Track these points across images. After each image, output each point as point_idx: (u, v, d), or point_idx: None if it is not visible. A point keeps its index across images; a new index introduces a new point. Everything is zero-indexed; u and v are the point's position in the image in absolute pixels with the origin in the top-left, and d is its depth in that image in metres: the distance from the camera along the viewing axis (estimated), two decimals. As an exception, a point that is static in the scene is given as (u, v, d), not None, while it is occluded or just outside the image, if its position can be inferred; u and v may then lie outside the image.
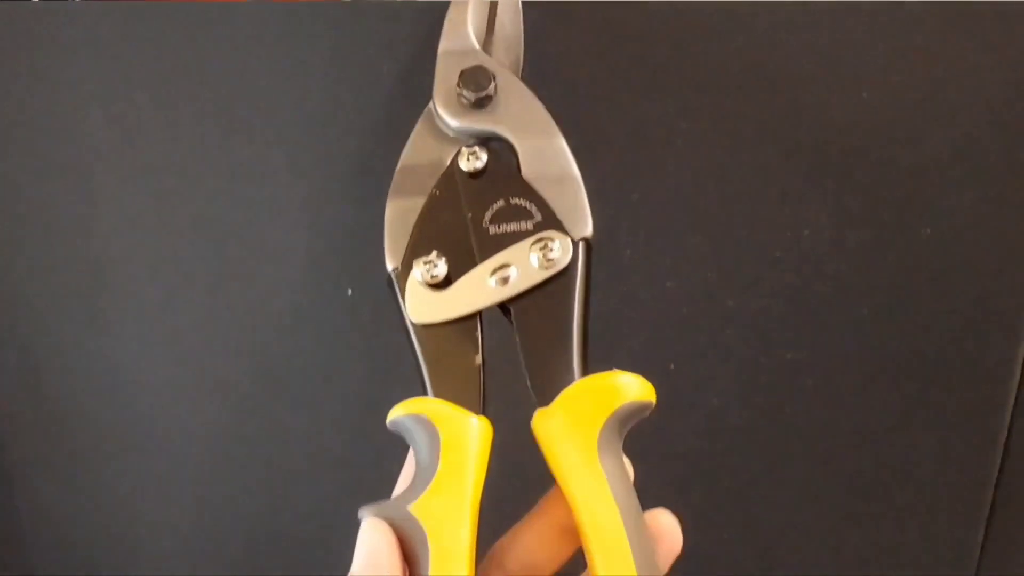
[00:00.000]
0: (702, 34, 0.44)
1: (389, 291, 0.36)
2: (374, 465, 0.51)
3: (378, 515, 0.32)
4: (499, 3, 0.37)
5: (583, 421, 0.33)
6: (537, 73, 0.39)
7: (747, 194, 0.46)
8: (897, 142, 0.45)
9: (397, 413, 0.34)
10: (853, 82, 0.44)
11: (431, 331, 0.35)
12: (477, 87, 0.35)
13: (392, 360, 0.50)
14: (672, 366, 0.49)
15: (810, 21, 0.43)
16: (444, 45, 0.36)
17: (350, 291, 0.49)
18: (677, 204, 0.47)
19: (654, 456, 0.50)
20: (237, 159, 0.48)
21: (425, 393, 0.34)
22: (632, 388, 0.33)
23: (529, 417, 0.34)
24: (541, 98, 0.37)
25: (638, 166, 0.46)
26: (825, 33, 0.43)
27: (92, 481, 0.54)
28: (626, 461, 0.34)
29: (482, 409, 0.34)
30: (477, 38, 0.36)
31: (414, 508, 0.32)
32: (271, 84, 0.46)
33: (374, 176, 0.41)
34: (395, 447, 0.36)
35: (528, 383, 0.34)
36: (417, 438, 0.33)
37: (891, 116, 0.44)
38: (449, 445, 0.33)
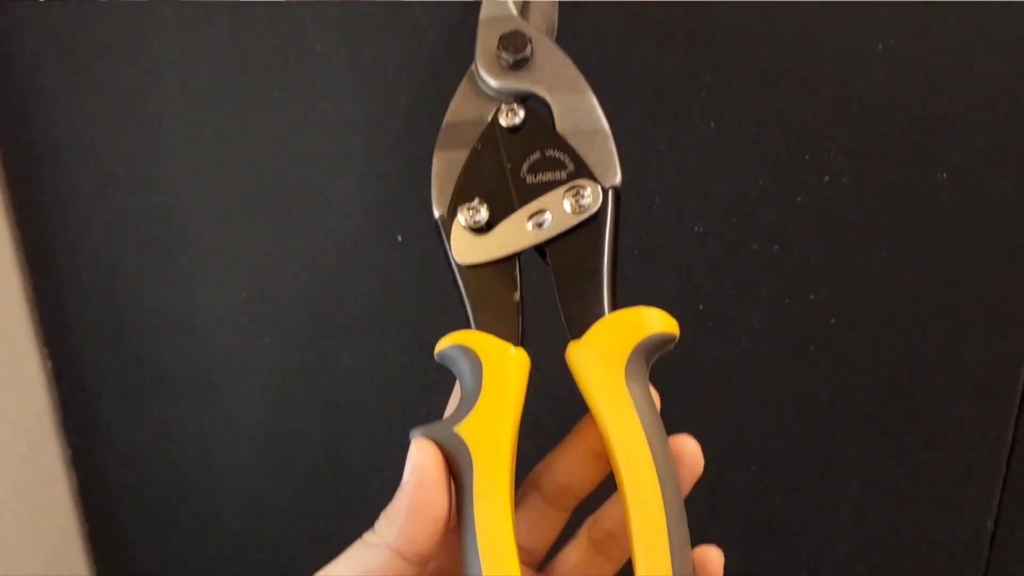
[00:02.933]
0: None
1: (436, 235, 0.38)
2: (423, 399, 0.54)
3: (426, 435, 0.34)
4: (535, -27, 0.39)
5: (612, 351, 0.35)
6: (570, 32, 0.41)
7: (770, 143, 0.47)
8: (912, 91, 0.45)
9: (444, 345, 0.36)
10: (869, 35, 0.45)
11: (474, 271, 0.37)
12: (515, 50, 0.37)
13: (439, 301, 0.52)
14: (701, 307, 0.51)
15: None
16: (485, 12, 0.38)
17: (400, 237, 0.51)
18: (703, 153, 0.48)
19: (683, 392, 0.53)
20: (295, 116, 0.49)
21: (469, 327, 0.36)
22: (657, 321, 0.35)
23: (563, 351, 0.36)
24: (575, 53, 0.38)
25: (666, 117, 0.47)
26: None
27: (167, 415, 0.57)
28: (652, 391, 0.36)
29: (520, 342, 0.36)
30: (515, 5, 0.38)
31: (460, 429, 0.34)
32: (325, 47, 0.48)
33: (421, 131, 0.43)
34: (442, 383, 0.38)
35: (562, 318, 0.36)
36: (462, 367, 0.36)
37: (906, 67, 0.45)
38: (491, 373, 0.35)
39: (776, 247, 0.49)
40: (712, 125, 0.47)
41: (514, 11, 0.38)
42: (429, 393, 0.54)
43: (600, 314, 0.36)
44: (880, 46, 0.45)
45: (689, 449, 0.36)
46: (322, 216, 0.51)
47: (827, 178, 0.48)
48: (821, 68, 0.46)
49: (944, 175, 0.47)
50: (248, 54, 0.49)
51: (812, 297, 0.50)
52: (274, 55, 0.48)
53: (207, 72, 0.49)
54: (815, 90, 0.46)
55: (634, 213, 0.49)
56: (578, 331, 0.36)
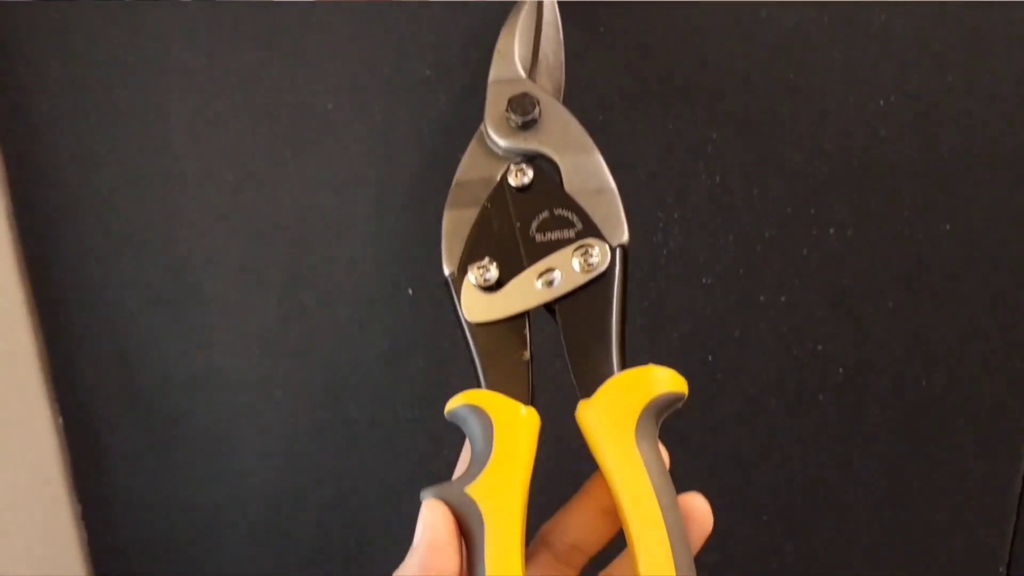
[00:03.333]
0: (728, 48, 0.45)
1: (446, 293, 0.39)
2: (434, 454, 0.54)
3: (438, 496, 0.35)
4: (542, 36, 0.40)
5: (622, 410, 0.35)
6: (577, 91, 0.42)
7: (775, 196, 0.48)
8: (913, 145, 0.46)
9: (454, 404, 0.36)
10: (870, 91, 0.45)
11: (484, 329, 0.37)
12: (523, 112, 0.38)
13: (450, 355, 0.52)
14: (710, 358, 0.51)
15: (829, 36, 0.45)
16: (494, 74, 0.39)
17: (410, 291, 0.51)
18: (709, 206, 0.48)
19: (694, 442, 0.53)
20: (307, 173, 0.50)
21: (479, 386, 0.37)
22: (666, 380, 0.36)
23: (573, 408, 0.36)
24: (582, 112, 0.39)
25: (672, 171, 0.48)
26: (843, 47, 0.45)
27: (178, 471, 0.57)
28: (662, 448, 0.36)
29: (531, 400, 0.37)
30: (523, 67, 0.39)
31: (470, 489, 0.34)
32: (338, 106, 0.48)
33: (431, 188, 0.44)
34: (453, 437, 0.39)
35: (572, 376, 0.37)
36: (472, 427, 0.36)
37: (907, 121, 0.46)
38: (502, 433, 0.35)
39: (783, 298, 0.50)
40: (718, 179, 0.48)
41: (522, 73, 0.39)
42: (440, 448, 0.54)
43: (610, 373, 0.36)
44: (881, 102, 0.46)
45: (699, 507, 0.36)
46: (333, 272, 0.52)
47: (832, 230, 0.48)
48: (824, 123, 0.46)
49: (947, 226, 0.48)
50: (260, 115, 0.49)
51: (820, 347, 0.51)
52: (286, 115, 0.49)
53: (220, 132, 0.50)
54: (819, 145, 0.47)
55: (642, 266, 0.49)
56: (588, 390, 0.36)
